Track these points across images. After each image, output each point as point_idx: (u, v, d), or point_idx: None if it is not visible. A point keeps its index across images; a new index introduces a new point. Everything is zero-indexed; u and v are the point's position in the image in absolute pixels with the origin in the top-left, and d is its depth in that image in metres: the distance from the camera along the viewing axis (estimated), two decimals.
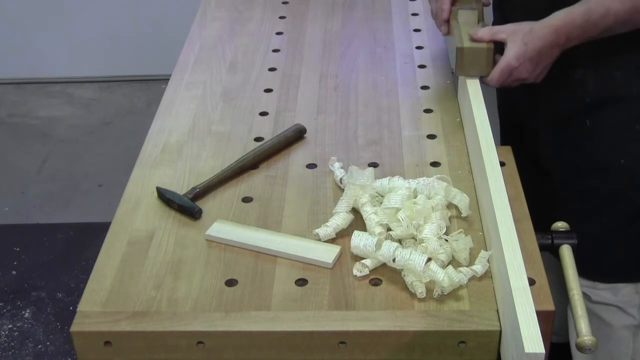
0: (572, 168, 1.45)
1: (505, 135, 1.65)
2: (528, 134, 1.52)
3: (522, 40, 1.28)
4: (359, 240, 1.08)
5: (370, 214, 1.13)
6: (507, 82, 1.32)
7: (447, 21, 1.42)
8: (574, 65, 1.37)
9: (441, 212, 1.13)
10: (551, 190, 1.47)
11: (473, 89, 1.31)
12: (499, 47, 1.33)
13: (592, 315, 1.33)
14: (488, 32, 1.32)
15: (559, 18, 1.28)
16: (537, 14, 1.31)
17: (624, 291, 1.48)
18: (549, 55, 1.29)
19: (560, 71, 1.36)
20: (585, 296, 1.44)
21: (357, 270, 1.07)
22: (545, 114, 1.46)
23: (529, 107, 1.49)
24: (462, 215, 1.15)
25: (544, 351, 0.87)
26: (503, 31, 1.31)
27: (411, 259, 1.03)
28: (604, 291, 1.49)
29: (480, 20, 1.41)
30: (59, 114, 3.32)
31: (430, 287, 1.03)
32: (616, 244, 1.45)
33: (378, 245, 1.06)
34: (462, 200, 1.16)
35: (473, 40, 1.33)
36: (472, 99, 1.28)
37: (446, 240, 1.08)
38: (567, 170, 1.46)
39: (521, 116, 1.54)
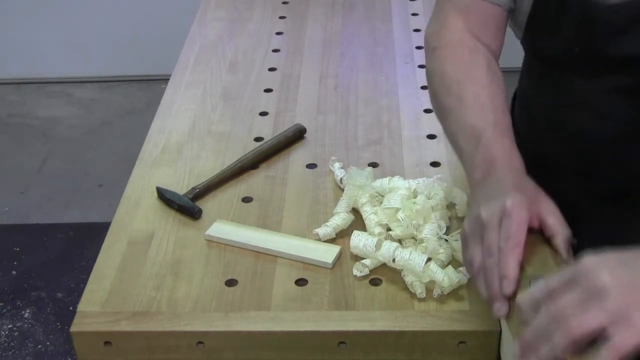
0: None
1: None
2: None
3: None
4: (358, 240, 1.08)
5: (370, 214, 1.13)
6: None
7: (509, 297, 0.83)
8: None
9: (441, 212, 1.13)
10: (554, 190, 1.44)
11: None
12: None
13: None
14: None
15: None
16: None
17: None
18: None
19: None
20: None
21: (357, 270, 1.07)
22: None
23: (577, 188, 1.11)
24: (459, 215, 1.15)
25: None
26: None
27: (411, 259, 1.03)
28: None
29: None
30: (59, 114, 3.32)
31: (430, 287, 1.03)
32: None
33: (378, 245, 1.06)
34: (462, 199, 1.16)
35: None
36: None
37: (446, 240, 1.08)
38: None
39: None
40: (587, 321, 0.70)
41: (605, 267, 0.73)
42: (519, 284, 0.82)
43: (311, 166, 1.30)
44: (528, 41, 1.11)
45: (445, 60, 1.07)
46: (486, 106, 0.99)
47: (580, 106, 1.06)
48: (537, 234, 0.87)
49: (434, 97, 1.09)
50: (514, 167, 0.94)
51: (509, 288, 0.82)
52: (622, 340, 0.69)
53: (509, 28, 1.13)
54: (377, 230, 1.10)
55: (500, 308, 0.83)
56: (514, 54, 1.24)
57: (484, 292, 0.85)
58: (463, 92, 1.02)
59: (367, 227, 1.12)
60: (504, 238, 0.83)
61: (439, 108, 1.07)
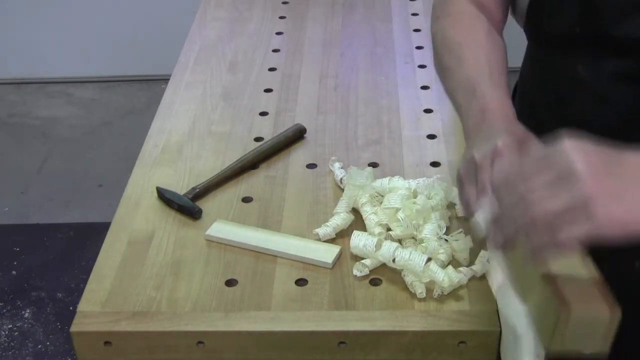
0: None
1: None
2: None
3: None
4: (358, 240, 1.08)
5: (370, 214, 1.13)
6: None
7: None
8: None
9: (441, 212, 1.13)
10: None
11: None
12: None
13: None
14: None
15: None
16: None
17: None
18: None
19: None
20: None
21: (357, 270, 1.07)
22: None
23: None
24: (459, 215, 1.15)
25: (544, 351, 0.86)
26: None
27: (411, 259, 1.03)
28: None
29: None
30: (59, 114, 3.32)
31: (430, 287, 1.03)
32: None
33: (378, 245, 1.06)
34: None
35: None
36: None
37: (446, 240, 1.08)
38: None
39: None
40: (551, 206, 0.72)
41: (582, 152, 0.73)
42: None
43: (311, 166, 1.30)
44: (530, 26, 1.12)
45: (448, 27, 1.13)
46: (482, 63, 1.04)
47: (582, 92, 1.06)
48: None
49: (436, 59, 1.14)
50: (506, 115, 0.97)
51: None
52: (576, 229, 0.72)
53: (511, 19, 1.15)
54: (377, 230, 1.10)
55: (498, 240, 0.83)
56: (514, 54, 1.24)
57: (481, 230, 0.88)
58: (462, 52, 1.07)
59: (367, 227, 1.12)
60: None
61: (440, 68, 1.12)
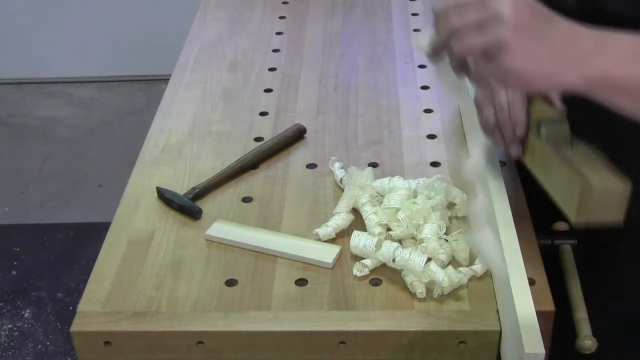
0: (596, 287, 1.12)
1: None
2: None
3: None
4: (358, 240, 1.08)
5: (370, 214, 1.13)
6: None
7: (522, 139, 1.01)
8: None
9: (441, 212, 1.13)
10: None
11: (473, 89, 1.31)
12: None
13: None
14: None
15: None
16: None
17: None
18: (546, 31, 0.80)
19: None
20: None
21: (357, 270, 1.07)
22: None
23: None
24: (459, 215, 1.15)
25: (544, 351, 0.87)
26: None
27: (411, 259, 1.03)
28: None
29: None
30: (59, 114, 3.32)
31: (430, 287, 1.03)
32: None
33: (378, 245, 1.06)
34: (462, 199, 1.16)
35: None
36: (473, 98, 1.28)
37: (446, 240, 1.08)
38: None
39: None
40: (473, 42, 0.81)
41: (515, 2, 0.79)
42: (528, 127, 1.00)
43: (311, 166, 1.30)
44: None
45: None
46: None
47: None
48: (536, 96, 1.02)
49: None
50: None
51: (521, 131, 1.00)
52: (484, 68, 0.82)
53: None
54: (377, 230, 1.10)
55: (517, 149, 1.02)
56: None
57: (500, 145, 1.03)
58: None
59: (367, 227, 1.12)
60: (512, 94, 0.99)
61: None
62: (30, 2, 3.34)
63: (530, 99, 1.01)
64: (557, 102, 0.99)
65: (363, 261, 1.07)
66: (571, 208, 0.90)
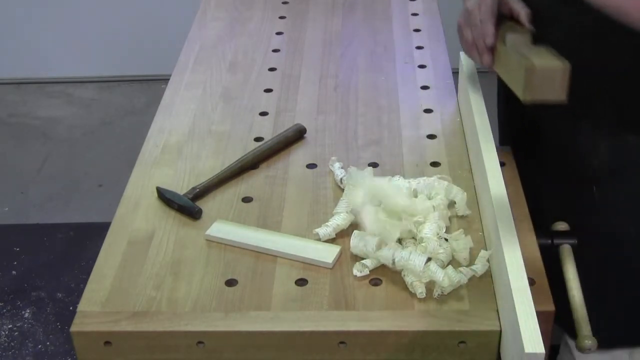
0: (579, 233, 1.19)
1: (505, 135, 1.64)
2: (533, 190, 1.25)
3: None
4: (358, 240, 1.08)
5: (370, 214, 1.12)
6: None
7: (491, 49, 1.18)
8: (583, 129, 1.21)
9: (441, 212, 1.13)
10: (551, 189, 1.45)
11: (473, 88, 1.31)
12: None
13: None
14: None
15: None
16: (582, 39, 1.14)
17: (616, 353, 1.34)
18: None
19: (569, 135, 1.22)
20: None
21: (357, 270, 1.07)
22: (552, 178, 1.30)
23: (537, 165, 1.32)
24: (459, 214, 1.15)
25: (544, 351, 0.87)
26: None
27: (411, 259, 1.03)
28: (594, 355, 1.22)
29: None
30: (59, 114, 3.32)
31: (430, 287, 1.03)
32: (615, 309, 1.29)
33: (378, 246, 1.06)
34: (462, 199, 1.16)
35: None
36: (472, 99, 1.28)
37: (446, 240, 1.08)
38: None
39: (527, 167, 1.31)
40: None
41: None
42: (497, 38, 1.16)
43: (311, 166, 1.30)
44: None
45: None
46: None
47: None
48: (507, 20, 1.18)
49: None
50: None
51: (490, 41, 1.16)
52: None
53: None
54: (377, 230, 1.10)
55: (488, 58, 1.18)
56: None
57: (476, 58, 1.21)
58: None
59: (367, 227, 1.12)
60: (482, 12, 1.16)
61: None
62: (30, 2, 3.33)
63: (501, 21, 1.18)
64: (526, 23, 1.14)
65: (363, 261, 1.07)
66: (519, 87, 1.05)
